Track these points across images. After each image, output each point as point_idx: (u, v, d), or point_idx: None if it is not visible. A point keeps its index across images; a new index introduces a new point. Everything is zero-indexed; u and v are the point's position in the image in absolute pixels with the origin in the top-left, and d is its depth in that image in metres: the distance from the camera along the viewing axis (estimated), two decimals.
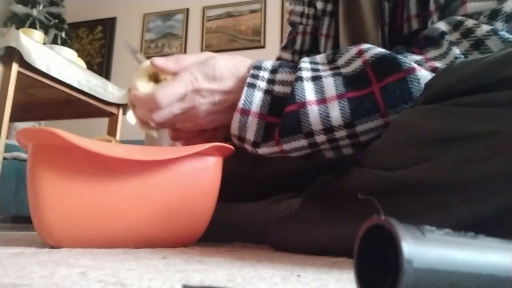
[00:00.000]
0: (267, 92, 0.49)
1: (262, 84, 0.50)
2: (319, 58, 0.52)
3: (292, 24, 0.81)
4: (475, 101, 0.34)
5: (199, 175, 0.51)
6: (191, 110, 0.51)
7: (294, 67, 0.51)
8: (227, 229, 0.63)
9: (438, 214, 0.35)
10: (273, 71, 0.51)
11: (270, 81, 0.50)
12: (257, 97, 0.49)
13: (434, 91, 0.39)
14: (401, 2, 0.60)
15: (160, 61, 0.50)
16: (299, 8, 0.79)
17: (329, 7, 0.74)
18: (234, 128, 0.50)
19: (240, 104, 0.49)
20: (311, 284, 0.25)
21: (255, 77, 0.50)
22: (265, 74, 0.51)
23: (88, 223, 0.45)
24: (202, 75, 0.50)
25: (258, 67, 0.51)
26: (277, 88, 0.49)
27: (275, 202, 0.63)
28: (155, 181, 0.48)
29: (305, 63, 0.50)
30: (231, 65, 0.51)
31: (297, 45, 0.79)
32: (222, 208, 0.56)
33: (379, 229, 0.18)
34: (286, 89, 0.49)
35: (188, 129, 0.55)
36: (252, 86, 0.49)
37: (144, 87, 0.51)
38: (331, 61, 0.50)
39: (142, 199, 0.47)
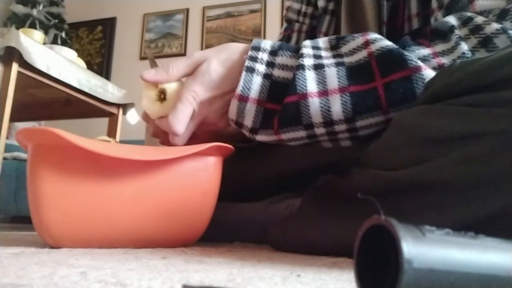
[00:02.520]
0: (266, 76, 0.49)
1: (261, 68, 0.49)
2: (322, 42, 0.51)
3: (289, 21, 0.80)
4: (475, 101, 0.34)
5: (199, 175, 0.51)
6: (206, 119, 0.52)
7: (296, 50, 0.50)
8: (227, 229, 0.63)
9: (438, 214, 0.35)
10: (273, 52, 0.50)
11: (269, 64, 0.49)
12: (256, 82, 0.48)
13: (434, 91, 0.38)
14: (402, 1, 0.59)
15: (149, 75, 0.50)
16: (296, 6, 0.79)
17: (331, 5, 0.73)
18: (232, 114, 0.49)
19: (238, 90, 0.48)
20: (311, 284, 0.25)
21: (254, 59, 0.49)
22: (264, 56, 0.50)
23: (88, 223, 0.45)
24: (201, 87, 0.49)
25: (257, 48, 0.50)
26: (277, 73, 0.49)
27: (275, 202, 0.63)
28: (155, 181, 0.48)
29: (307, 48, 0.49)
30: (224, 59, 0.50)
31: (292, 43, 0.79)
32: (222, 208, 0.56)
33: (379, 229, 0.18)
34: (286, 74, 0.48)
35: (211, 132, 0.56)
36: (251, 70, 0.48)
37: (151, 106, 0.52)
38: (334, 46, 0.49)
39: (142, 199, 0.47)
